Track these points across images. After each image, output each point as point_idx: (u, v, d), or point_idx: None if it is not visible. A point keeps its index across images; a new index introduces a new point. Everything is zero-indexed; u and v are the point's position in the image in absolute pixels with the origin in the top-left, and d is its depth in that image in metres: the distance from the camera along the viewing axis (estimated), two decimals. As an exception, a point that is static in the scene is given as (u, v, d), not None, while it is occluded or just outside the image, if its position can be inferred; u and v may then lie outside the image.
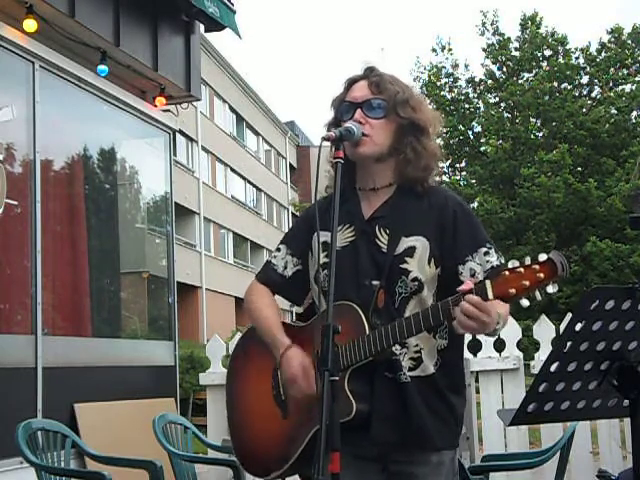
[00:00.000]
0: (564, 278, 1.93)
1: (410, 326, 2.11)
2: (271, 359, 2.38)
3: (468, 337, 5.13)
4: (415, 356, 2.22)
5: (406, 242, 2.25)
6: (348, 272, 2.25)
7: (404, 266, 2.23)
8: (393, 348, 2.20)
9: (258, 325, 2.43)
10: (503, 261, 2.20)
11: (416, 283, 2.23)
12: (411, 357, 2.22)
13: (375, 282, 2.23)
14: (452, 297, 2.05)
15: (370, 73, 2.35)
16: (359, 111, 2.28)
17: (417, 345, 2.22)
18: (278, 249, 2.48)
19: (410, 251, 2.24)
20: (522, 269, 1.94)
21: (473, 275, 2.20)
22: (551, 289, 1.93)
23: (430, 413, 2.21)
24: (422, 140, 2.31)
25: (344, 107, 2.33)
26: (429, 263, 2.24)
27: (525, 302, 1.97)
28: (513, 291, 1.95)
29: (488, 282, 1.99)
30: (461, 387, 2.33)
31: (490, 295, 1.97)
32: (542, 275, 1.91)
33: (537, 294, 1.95)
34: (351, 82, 2.37)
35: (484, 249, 2.24)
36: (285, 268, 2.44)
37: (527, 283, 1.92)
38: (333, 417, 1.85)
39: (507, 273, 1.96)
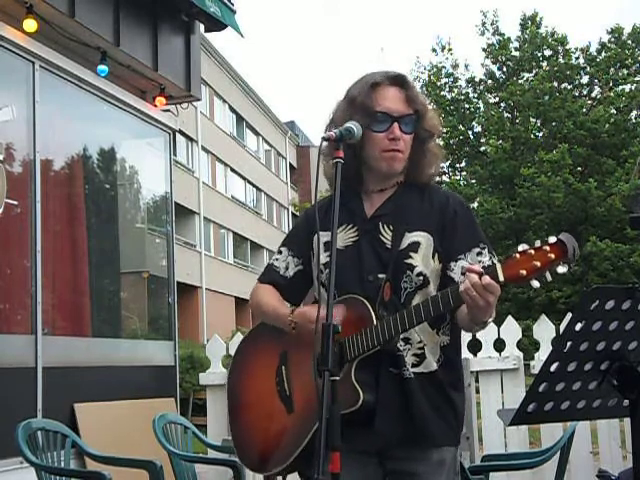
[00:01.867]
0: (575, 260, 1.93)
1: (419, 313, 2.12)
2: (274, 357, 2.40)
3: (468, 337, 5.14)
4: (418, 352, 2.24)
5: (410, 237, 2.27)
6: (352, 270, 2.27)
7: (409, 261, 2.25)
8: (398, 344, 2.21)
9: (263, 311, 2.45)
10: (496, 262, 2.21)
11: (421, 278, 2.25)
12: (414, 353, 2.24)
13: (381, 275, 2.25)
14: (462, 282, 2.05)
15: (404, 83, 2.33)
16: (396, 126, 2.28)
17: (420, 342, 2.24)
18: (280, 251, 2.50)
19: (414, 246, 2.26)
20: (532, 251, 1.95)
21: (463, 274, 2.20)
22: (562, 269, 1.94)
23: (432, 410, 2.23)
24: (430, 145, 2.36)
25: (378, 117, 2.28)
26: (433, 258, 2.27)
27: (536, 283, 1.97)
28: (524, 272, 1.95)
29: (499, 265, 2.00)
30: (461, 384, 2.35)
31: (501, 277, 1.99)
32: (553, 256, 1.92)
33: (548, 275, 1.95)
34: (377, 84, 2.31)
35: (477, 249, 2.27)
36: (286, 269, 2.46)
37: (538, 264, 1.93)
38: (333, 417, 1.85)
39: (517, 255, 1.97)
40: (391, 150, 2.28)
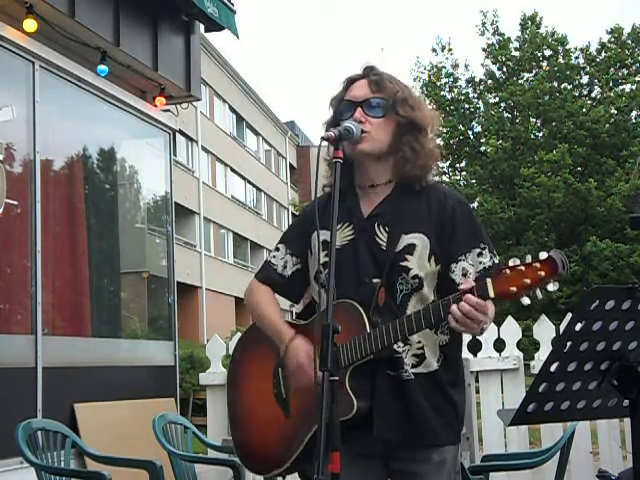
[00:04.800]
0: (564, 277, 1.94)
1: (411, 324, 2.11)
2: (271, 358, 2.39)
3: (468, 336, 5.13)
4: (418, 352, 2.23)
5: (406, 239, 2.25)
6: (348, 270, 2.26)
7: (404, 263, 2.23)
8: (395, 346, 2.20)
9: (261, 320, 2.44)
10: (497, 261, 2.21)
11: (416, 280, 2.23)
12: (414, 354, 2.23)
13: (375, 280, 2.23)
14: (453, 295, 2.05)
15: (370, 72, 2.35)
16: (359, 110, 2.28)
17: (420, 342, 2.23)
18: (277, 249, 2.48)
19: (410, 248, 2.24)
20: (523, 267, 1.94)
21: (465, 275, 2.21)
22: (552, 287, 1.94)
23: (432, 409, 2.22)
24: (420, 139, 2.31)
25: (344, 106, 2.32)
26: (429, 260, 2.24)
27: (526, 300, 1.97)
28: (514, 289, 1.95)
29: (489, 280, 1.99)
30: (461, 382, 2.34)
31: (491, 294, 1.98)
32: (543, 273, 1.91)
33: (538, 292, 1.95)
34: (350, 81, 2.37)
35: (478, 250, 2.25)
36: (284, 268, 2.44)
37: (528, 281, 1.93)
38: (333, 416, 1.85)
39: (508, 271, 1.96)
40: None
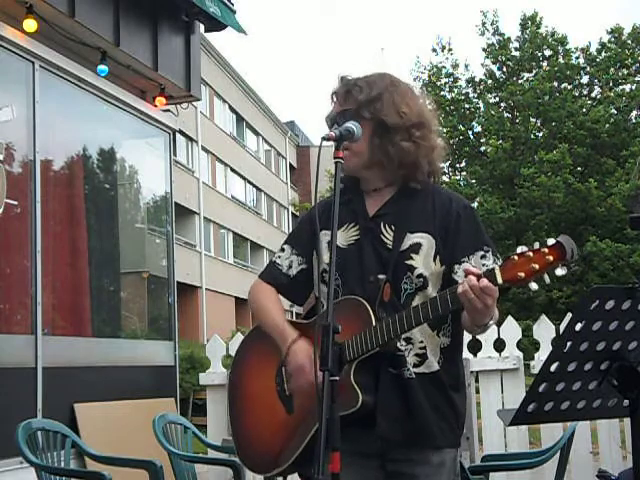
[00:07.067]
0: (574, 261, 1.93)
1: (418, 314, 2.11)
2: (275, 357, 2.39)
3: (468, 337, 5.14)
4: (420, 352, 2.23)
5: (411, 238, 2.26)
6: (353, 270, 2.26)
7: (409, 262, 2.24)
8: (398, 344, 2.20)
9: (264, 321, 2.44)
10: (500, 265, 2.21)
11: (421, 279, 2.23)
12: (416, 353, 2.23)
13: (381, 276, 2.24)
14: (460, 283, 2.05)
15: (340, 83, 2.36)
16: (335, 126, 2.25)
17: (422, 342, 2.23)
18: (282, 249, 2.48)
19: (416, 247, 2.25)
20: (531, 253, 1.94)
21: (467, 276, 2.20)
22: (560, 272, 1.93)
23: (433, 410, 2.22)
24: (396, 138, 2.27)
25: (328, 125, 2.35)
26: (434, 260, 2.25)
27: (534, 285, 1.96)
28: (522, 275, 1.95)
29: (497, 267, 2.00)
30: (462, 386, 2.34)
31: (499, 280, 1.98)
32: (551, 258, 1.91)
33: (546, 277, 1.95)
34: (332, 96, 2.39)
35: (481, 252, 2.25)
36: (290, 268, 2.44)
37: (536, 266, 1.93)
38: (333, 417, 1.85)
39: (516, 258, 1.96)
40: None
